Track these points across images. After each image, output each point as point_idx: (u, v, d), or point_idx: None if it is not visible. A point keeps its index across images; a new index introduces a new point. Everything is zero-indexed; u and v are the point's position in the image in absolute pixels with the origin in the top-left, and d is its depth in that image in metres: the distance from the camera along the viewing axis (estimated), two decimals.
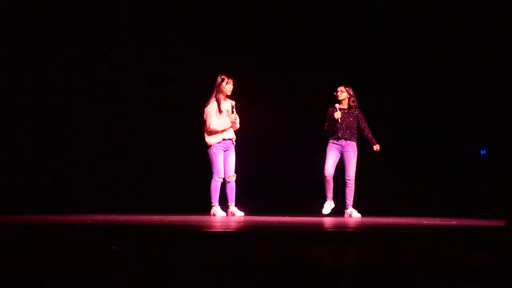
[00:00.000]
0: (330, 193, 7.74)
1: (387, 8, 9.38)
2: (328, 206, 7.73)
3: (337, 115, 7.68)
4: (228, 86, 7.50)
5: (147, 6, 9.13)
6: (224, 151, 7.53)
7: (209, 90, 7.57)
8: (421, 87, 9.55)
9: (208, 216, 7.27)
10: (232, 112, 7.49)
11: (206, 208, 7.53)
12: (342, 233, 4.94)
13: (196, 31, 9.32)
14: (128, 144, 9.14)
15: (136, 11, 9.12)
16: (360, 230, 5.34)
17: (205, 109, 7.52)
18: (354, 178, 7.76)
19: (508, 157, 9.28)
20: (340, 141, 7.75)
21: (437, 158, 9.52)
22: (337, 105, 7.76)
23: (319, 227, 5.59)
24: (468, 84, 9.39)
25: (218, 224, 5.75)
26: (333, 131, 7.76)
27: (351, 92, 7.83)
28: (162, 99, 9.18)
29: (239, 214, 7.45)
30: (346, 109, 7.81)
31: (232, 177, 7.53)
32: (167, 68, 9.26)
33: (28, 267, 4.05)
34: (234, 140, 7.60)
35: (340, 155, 7.77)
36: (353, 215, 7.67)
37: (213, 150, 7.47)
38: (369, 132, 7.85)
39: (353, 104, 7.81)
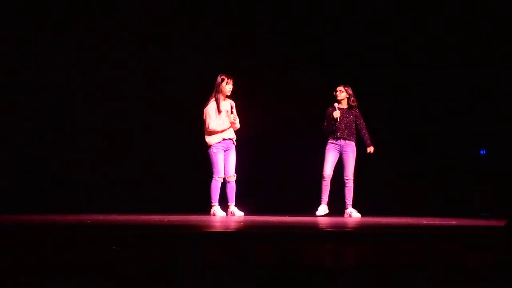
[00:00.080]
0: (326, 197, 7.71)
1: (387, 8, 9.38)
2: (323, 209, 7.69)
3: (336, 114, 7.68)
4: (228, 86, 7.50)
5: (147, 6, 9.13)
6: (225, 151, 7.53)
7: (209, 90, 7.58)
8: (421, 87, 9.55)
9: (208, 216, 7.27)
10: (232, 113, 7.49)
11: (206, 208, 7.53)
12: (342, 233, 4.94)
13: (196, 31, 9.32)
14: (128, 144, 9.15)
15: (136, 11, 9.12)
16: (360, 230, 5.34)
17: (205, 109, 7.52)
18: (352, 178, 7.76)
19: (508, 157, 9.28)
20: (339, 140, 7.75)
21: (437, 158, 9.52)
22: (336, 105, 7.77)
23: (319, 227, 5.59)
24: (468, 84, 9.39)
25: (218, 224, 5.75)
26: (332, 131, 7.76)
27: (350, 92, 7.82)
28: (162, 99, 9.18)
29: (239, 214, 7.45)
30: (345, 108, 7.81)
31: (232, 177, 7.53)
32: (167, 68, 9.26)
33: (28, 267, 4.05)
34: (234, 140, 7.60)
35: (339, 155, 7.77)
36: (353, 215, 7.66)
37: (213, 150, 7.47)
38: (366, 133, 7.85)
39: (352, 104, 7.81)
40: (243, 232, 4.80)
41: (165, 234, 4.49)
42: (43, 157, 8.84)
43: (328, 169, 7.71)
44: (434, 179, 9.57)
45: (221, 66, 7.97)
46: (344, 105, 7.83)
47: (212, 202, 7.46)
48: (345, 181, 7.76)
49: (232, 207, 7.52)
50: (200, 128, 7.59)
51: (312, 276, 4.30)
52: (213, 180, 7.47)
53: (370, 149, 7.82)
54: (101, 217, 6.40)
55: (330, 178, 7.73)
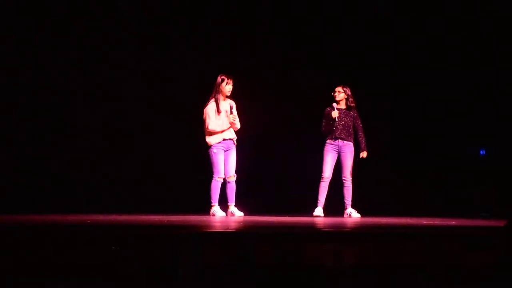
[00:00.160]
0: (322, 198, 7.68)
1: (387, 8, 9.38)
2: (319, 211, 7.67)
3: (335, 114, 7.67)
4: (227, 87, 7.49)
5: (147, 6, 9.13)
6: (225, 151, 7.53)
7: (209, 90, 7.58)
8: (421, 87, 9.55)
9: (208, 216, 7.27)
10: (231, 113, 7.49)
11: (206, 208, 7.53)
12: (342, 233, 4.94)
13: (196, 31, 9.32)
14: (128, 144, 9.14)
15: (136, 11, 9.12)
16: (360, 230, 5.35)
17: (204, 109, 7.52)
18: (351, 178, 7.75)
19: (508, 157, 9.28)
20: (337, 141, 7.74)
21: (437, 158, 9.52)
22: (334, 105, 7.75)
23: (319, 227, 5.59)
24: (468, 84, 9.39)
25: (218, 224, 5.75)
26: (330, 131, 7.74)
27: (349, 93, 7.80)
28: (162, 99, 9.18)
29: (238, 214, 7.45)
30: (343, 109, 7.80)
31: (232, 177, 7.53)
32: (167, 68, 9.26)
33: (28, 267, 4.05)
34: (235, 140, 7.60)
35: (337, 156, 7.75)
36: (352, 215, 7.66)
37: (214, 150, 7.47)
38: (363, 135, 7.80)
39: (351, 104, 7.79)
40: (243, 232, 4.80)
41: (165, 234, 4.49)
42: (43, 157, 8.83)
43: (328, 171, 7.70)
44: (434, 179, 9.57)
45: (221, 66, 7.97)
46: (342, 105, 7.82)
47: (212, 202, 7.45)
48: (344, 181, 7.75)
49: (232, 207, 7.52)
50: (200, 128, 7.59)
51: (312, 276, 4.30)
52: (213, 180, 7.46)
53: (363, 154, 7.80)
54: (101, 217, 6.40)
55: (329, 179, 7.72)
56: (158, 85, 9.23)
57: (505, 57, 9.13)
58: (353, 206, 7.74)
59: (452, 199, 9.42)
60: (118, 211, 7.65)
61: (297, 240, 4.51)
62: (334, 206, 7.88)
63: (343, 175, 7.75)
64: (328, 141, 7.77)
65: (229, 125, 7.50)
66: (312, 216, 7.58)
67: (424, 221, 6.59)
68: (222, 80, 7.48)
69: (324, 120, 7.81)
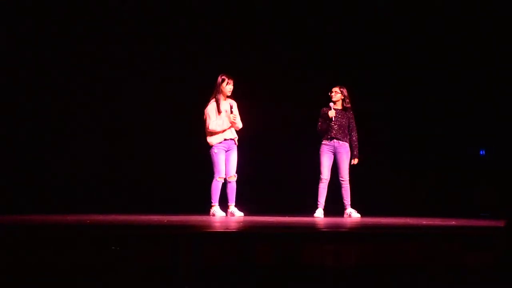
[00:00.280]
0: (322, 200, 7.66)
1: (387, 8, 9.39)
2: (320, 213, 7.66)
3: (331, 113, 7.66)
4: (228, 87, 7.50)
5: (147, 6, 9.13)
6: (226, 151, 7.53)
7: (209, 90, 7.58)
8: (421, 87, 9.55)
9: (208, 216, 7.27)
10: (231, 112, 7.49)
11: (206, 208, 7.53)
12: (342, 233, 4.94)
13: (196, 31, 9.32)
14: (128, 144, 9.14)
15: (136, 11, 9.12)
16: (360, 230, 5.34)
17: (205, 110, 7.52)
18: (348, 179, 7.73)
19: (508, 157, 9.28)
20: (332, 141, 7.72)
21: (437, 158, 9.52)
22: (331, 104, 7.74)
23: (319, 227, 5.59)
24: (468, 84, 9.39)
25: (218, 224, 5.75)
26: (326, 130, 7.72)
27: (346, 93, 7.78)
28: (162, 99, 9.18)
29: (238, 214, 7.45)
30: (339, 110, 7.78)
31: (233, 177, 7.53)
32: (167, 68, 9.26)
33: (28, 267, 4.05)
34: (236, 140, 7.59)
35: (333, 156, 7.73)
36: (352, 215, 7.65)
37: (214, 150, 7.47)
38: (356, 140, 7.73)
39: (347, 105, 7.77)
40: (243, 232, 4.80)
41: (165, 234, 4.49)
42: (43, 157, 8.83)
43: (326, 172, 7.68)
44: (434, 179, 9.57)
45: (221, 66, 7.97)
46: (339, 106, 7.80)
47: (212, 202, 7.45)
48: (341, 182, 7.73)
49: (232, 208, 7.51)
50: (200, 128, 7.59)
51: (312, 276, 4.30)
52: (214, 180, 7.46)
53: (354, 161, 7.78)
54: (101, 217, 6.40)
55: (328, 180, 7.71)
56: (158, 85, 9.22)
57: (505, 57, 9.13)
58: (353, 206, 7.73)
59: (452, 199, 9.42)
60: (118, 211, 7.65)
61: (297, 240, 4.51)
62: (334, 206, 7.87)
63: (340, 176, 7.73)
64: (323, 142, 7.75)
65: (230, 124, 7.51)
66: (312, 217, 7.58)
67: (424, 221, 6.59)
68: (223, 80, 7.49)
69: (320, 120, 7.79)
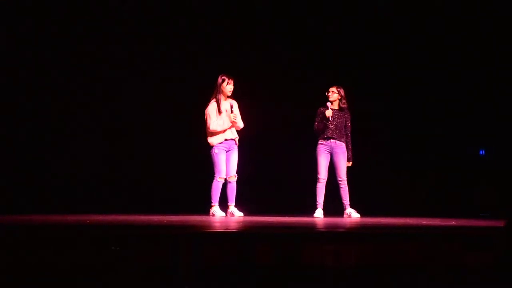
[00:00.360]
0: (321, 200, 7.65)
1: (387, 8, 9.38)
2: (319, 213, 7.66)
3: (329, 113, 7.65)
4: (228, 87, 7.50)
5: (147, 6, 9.13)
6: (227, 151, 7.53)
7: (209, 90, 7.58)
8: (421, 87, 9.55)
9: (207, 216, 7.27)
10: (232, 112, 7.49)
11: (206, 208, 7.53)
12: (342, 233, 4.94)
13: (196, 31, 9.32)
14: (128, 144, 9.14)
15: (136, 11, 9.12)
16: (360, 230, 5.34)
17: (206, 110, 7.53)
18: (346, 179, 7.72)
19: (508, 157, 9.28)
20: (329, 141, 7.71)
21: (437, 158, 9.52)
22: (328, 104, 7.74)
23: (319, 227, 5.59)
24: (468, 84, 9.39)
25: (218, 224, 5.75)
26: (323, 130, 7.72)
27: (343, 94, 7.77)
28: (162, 99, 9.18)
29: (238, 214, 7.45)
30: (336, 110, 7.78)
31: (233, 178, 7.53)
32: (167, 68, 9.26)
33: (28, 267, 4.05)
34: (237, 140, 7.59)
35: (330, 156, 7.73)
36: (352, 215, 7.65)
37: (215, 150, 7.47)
38: (349, 141, 7.74)
39: (343, 106, 7.77)
40: (243, 232, 4.80)
41: (165, 234, 4.49)
42: (43, 157, 8.83)
43: (323, 172, 7.68)
44: (434, 179, 9.57)
45: (221, 66, 7.97)
46: (335, 106, 7.79)
47: (212, 202, 7.46)
48: (339, 182, 7.72)
49: (232, 208, 7.52)
50: (200, 128, 7.59)
51: (312, 276, 4.30)
52: (214, 180, 7.47)
53: (348, 164, 7.78)
54: (101, 217, 6.40)
55: (326, 180, 7.70)
56: (158, 85, 9.22)
57: (505, 57, 9.13)
58: (352, 206, 7.73)
59: (452, 199, 9.42)
60: (118, 211, 7.65)
61: (297, 240, 4.51)
62: (333, 206, 7.87)
63: (338, 176, 7.72)
64: (320, 141, 7.74)
65: (231, 124, 7.51)
66: (312, 217, 7.58)
67: (424, 221, 6.59)
68: (223, 80, 7.49)
69: (316, 119, 7.79)
